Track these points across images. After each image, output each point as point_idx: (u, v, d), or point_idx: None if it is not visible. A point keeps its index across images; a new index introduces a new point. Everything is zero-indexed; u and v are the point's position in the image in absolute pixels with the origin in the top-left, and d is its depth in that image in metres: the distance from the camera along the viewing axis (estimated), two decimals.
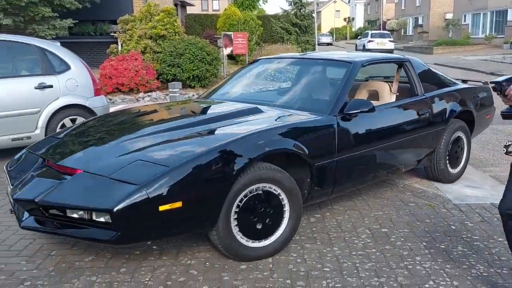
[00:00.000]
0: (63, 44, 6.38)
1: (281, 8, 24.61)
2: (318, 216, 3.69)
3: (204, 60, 12.01)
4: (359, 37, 39.62)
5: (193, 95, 10.98)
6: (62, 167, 2.85)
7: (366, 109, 3.37)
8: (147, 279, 2.73)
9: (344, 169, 3.40)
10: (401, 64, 4.34)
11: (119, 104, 10.41)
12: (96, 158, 2.86)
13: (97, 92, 6.09)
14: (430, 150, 4.27)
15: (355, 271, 2.83)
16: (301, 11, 23.05)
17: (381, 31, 36.72)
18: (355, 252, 3.07)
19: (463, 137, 4.60)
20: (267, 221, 2.94)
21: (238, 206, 2.80)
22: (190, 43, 12.08)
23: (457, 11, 36.96)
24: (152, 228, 2.58)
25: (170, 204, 2.52)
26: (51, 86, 5.56)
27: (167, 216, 2.55)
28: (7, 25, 12.66)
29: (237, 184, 2.74)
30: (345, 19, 63.07)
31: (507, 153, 2.35)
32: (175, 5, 21.42)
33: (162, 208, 2.50)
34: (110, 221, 2.46)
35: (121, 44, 13.02)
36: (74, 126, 3.83)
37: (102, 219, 2.50)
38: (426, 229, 3.46)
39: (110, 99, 10.38)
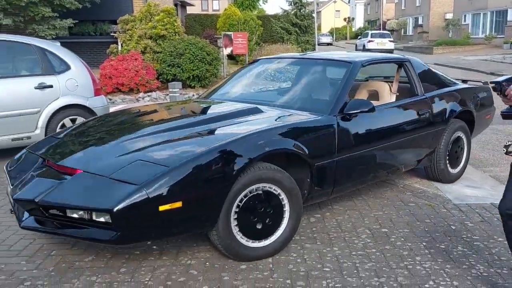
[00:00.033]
0: (63, 44, 6.38)
1: (281, 8, 24.63)
2: (318, 216, 3.69)
3: (204, 60, 12.01)
4: (359, 37, 39.63)
5: (193, 95, 10.98)
6: (62, 167, 2.85)
7: (366, 109, 3.37)
8: (147, 279, 2.73)
9: (344, 169, 3.40)
10: (401, 64, 4.34)
11: (119, 104, 10.41)
12: (96, 158, 2.86)
13: (97, 92, 6.09)
14: (430, 150, 4.27)
15: (355, 271, 2.83)
16: (301, 11, 23.05)
17: (381, 31, 36.72)
18: (355, 252, 3.07)
19: (463, 137, 4.60)
20: (267, 221, 2.94)
21: (238, 206, 2.80)
22: (190, 43, 12.09)
23: (457, 11, 36.96)
24: (152, 228, 2.57)
25: (170, 204, 2.52)
26: (51, 86, 5.56)
27: (167, 216, 2.55)
28: (7, 25, 12.66)
29: (237, 184, 2.74)
30: (345, 19, 63.08)
31: (507, 153, 2.35)
32: (175, 5, 21.42)
33: (162, 208, 2.50)
34: (110, 221, 2.46)
35: (121, 44, 13.03)
36: (74, 126, 3.83)
37: (102, 219, 2.50)
38: (426, 229, 3.45)
39: (110, 99, 10.39)
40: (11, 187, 2.97)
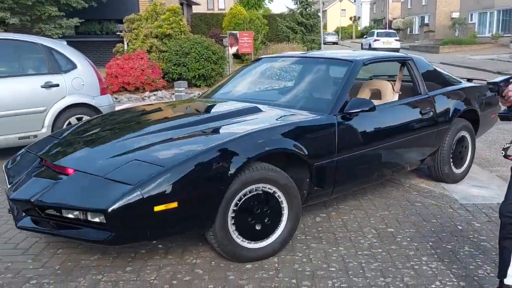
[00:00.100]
0: (70, 43, 6.40)
1: (287, 7, 24.67)
2: (323, 216, 3.68)
3: (210, 59, 12.02)
4: (365, 36, 39.51)
5: (199, 94, 10.98)
6: (58, 167, 2.84)
7: (367, 108, 3.34)
8: (153, 278, 2.73)
9: (344, 169, 3.36)
10: (404, 62, 4.29)
11: (125, 103, 10.42)
12: (92, 158, 2.84)
13: (103, 91, 6.10)
14: (433, 150, 4.23)
15: (361, 271, 2.82)
16: (307, 10, 23.05)
17: (387, 30, 36.63)
18: (361, 252, 3.06)
19: (467, 136, 4.54)
20: (265, 222, 2.90)
21: (235, 205, 2.76)
22: (196, 42, 12.10)
23: (464, 10, 36.78)
24: (147, 228, 2.55)
25: (165, 205, 2.49)
26: (57, 85, 5.58)
27: (163, 217, 2.52)
28: (14, 24, 12.71)
29: (234, 184, 2.70)
30: (350, 18, 62.91)
31: (505, 156, 2.30)
32: (181, 4, 21.46)
33: (157, 208, 2.48)
34: (105, 221, 2.44)
35: (127, 43, 13.07)
36: (76, 125, 3.81)
37: (97, 219, 2.49)
38: (433, 229, 3.44)
39: (116, 98, 10.41)
40: (9, 186, 2.97)
